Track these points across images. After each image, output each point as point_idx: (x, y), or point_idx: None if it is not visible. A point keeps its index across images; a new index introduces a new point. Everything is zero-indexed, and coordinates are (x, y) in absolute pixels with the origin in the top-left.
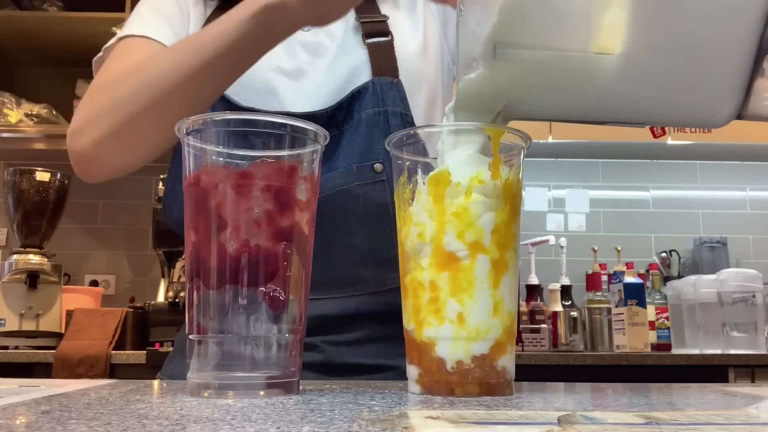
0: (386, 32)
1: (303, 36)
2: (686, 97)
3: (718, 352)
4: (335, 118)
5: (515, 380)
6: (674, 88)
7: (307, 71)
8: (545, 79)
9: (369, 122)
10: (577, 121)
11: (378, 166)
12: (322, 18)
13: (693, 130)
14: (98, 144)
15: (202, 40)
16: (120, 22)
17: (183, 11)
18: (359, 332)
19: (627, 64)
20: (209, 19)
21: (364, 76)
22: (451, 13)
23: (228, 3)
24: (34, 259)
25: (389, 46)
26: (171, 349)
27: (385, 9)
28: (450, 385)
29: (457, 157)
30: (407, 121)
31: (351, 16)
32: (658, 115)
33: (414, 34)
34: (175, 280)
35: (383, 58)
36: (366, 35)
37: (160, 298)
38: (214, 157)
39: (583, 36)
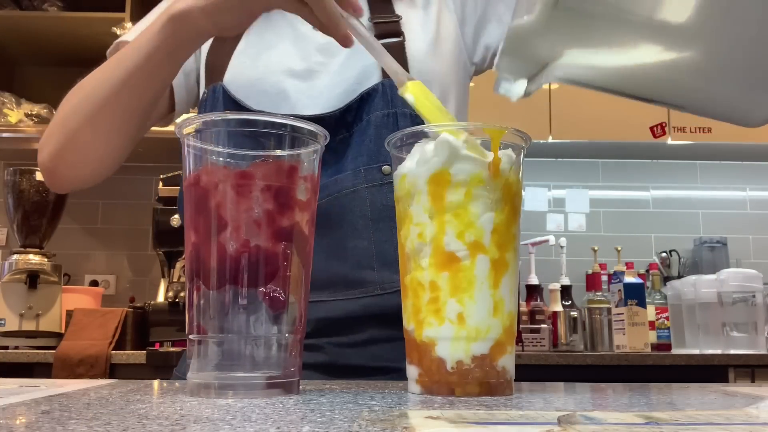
0: (398, 33)
1: (315, 36)
2: (733, 90)
3: (718, 352)
4: (344, 120)
5: (515, 380)
6: (725, 78)
7: (319, 72)
8: (600, 40)
9: (378, 124)
10: (617, 92)
11: (386, 168)
12: (223, 29)
13: (693, 129)
14: (53, 158)
15: (124, 54)
16: (120, 22)
17: None
18: (364, 334)
19: (687, 42)
20: None
21: (374, 77)
22: (470, 12)
23: None
24: (34, 259)
25: (400, 47)
26: (171, 349)
27: (400, 8)
28: (450, 385)
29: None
30: (417, 122)
31: (364, 17)
32: (699, 102)
33: (425, 33)
34: (175, 280)
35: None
36: (378, 36)
37: (160, 298)
38: (214, 157)
39: (653, 1)
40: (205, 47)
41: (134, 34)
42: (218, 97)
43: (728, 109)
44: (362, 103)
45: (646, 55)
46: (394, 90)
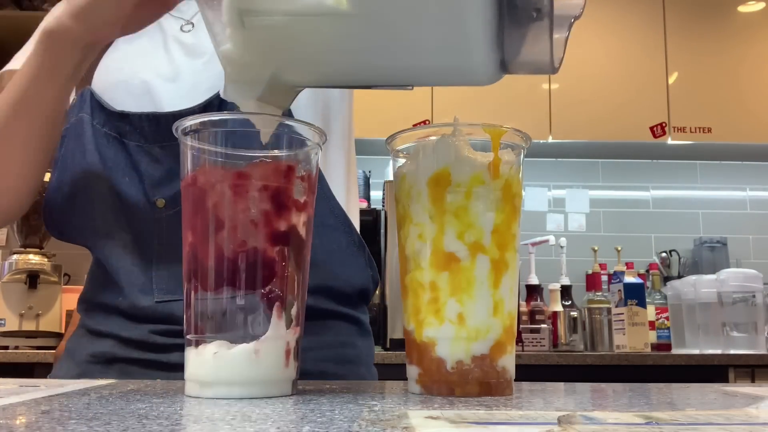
0: None
1: (183, 37)
2: (436, 54)
3: (718, 352)
4: None
5: (515, 380)
6: (419, 46)
7: (185, 72)
8: (298, 44)
9: None
10: (346, 86)
11: None
12: (97, 31)
13: (693, 129)
14: None
15: (11, 84)
16: None
17: None
18: None
19: (362, 23)
20: None
21: None
22: None
23: None
24: (34, 259)
25: None
26: None
27: None
28: (450, 385)
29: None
30: (282, 115)
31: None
32: (419, 75)
33: None
34: None
35: None
36: None
37: None
38: (211, 157)
39: None
40: None
41: (20, 61)
42: (85, 100)
43: (450, 76)
44: (224, 99)
45: (341, 45)
46: None
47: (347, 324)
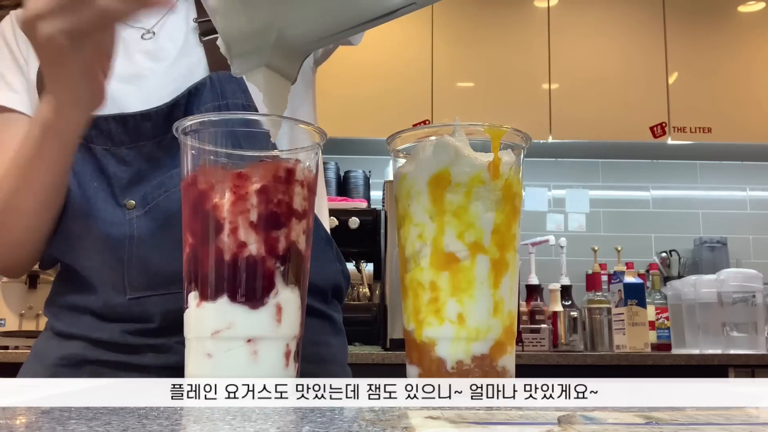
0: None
1: (143, 44)
2: None
3: (718, 352)
4: (173, 116)
5: None
6: None
7: (147, 76)
8: None
9: None
10: (354, 26)
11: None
12: (96, 107)
13: (693, 129)
14: None
15: (22, 155)
16: None
17: (22, 58)
18: None
19: None
20: None
21: (201, 72)
22: None
23: None
24: None
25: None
26: None
27: None
28: None
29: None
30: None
31: (191, 17)
32: None
33: None
34: None
35: (220, 53)
36: (203, 33)
37: None
38: (211, 157)
39: None
40: (33, 67)
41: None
42: None
43: None
44: (191, 98)
45: None
46: (223, 82)
47: (320, 321)
